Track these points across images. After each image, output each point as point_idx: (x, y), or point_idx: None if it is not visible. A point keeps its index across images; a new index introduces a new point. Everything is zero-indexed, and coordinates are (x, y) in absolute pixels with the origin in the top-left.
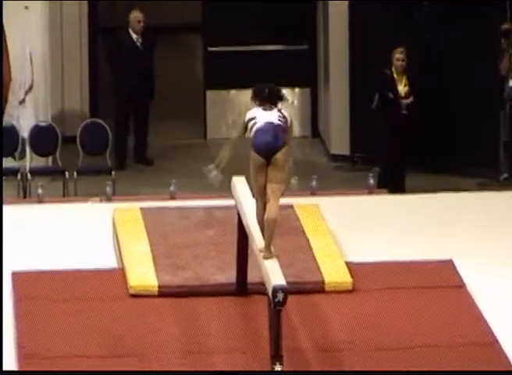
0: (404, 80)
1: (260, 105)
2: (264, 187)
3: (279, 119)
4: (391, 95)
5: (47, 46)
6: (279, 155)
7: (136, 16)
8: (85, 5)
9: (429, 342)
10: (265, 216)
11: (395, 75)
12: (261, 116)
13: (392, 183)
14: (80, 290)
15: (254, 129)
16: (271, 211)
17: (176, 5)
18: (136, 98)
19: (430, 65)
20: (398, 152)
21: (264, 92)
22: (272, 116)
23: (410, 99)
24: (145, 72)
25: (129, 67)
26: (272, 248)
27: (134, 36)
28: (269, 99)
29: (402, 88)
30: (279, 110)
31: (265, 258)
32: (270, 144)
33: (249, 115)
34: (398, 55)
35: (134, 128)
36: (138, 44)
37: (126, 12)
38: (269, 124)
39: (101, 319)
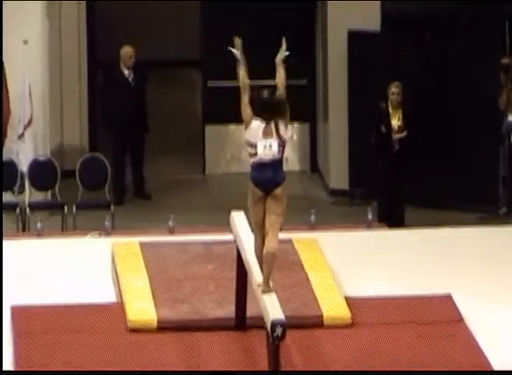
0: (398, 115)
1: (260, 117)
2: (263, 219)
3: (279, 145)
4: (384, 129)
5: (46, 80)
6: (279, 190)
7: (127, 51)
8: (84, 39)
9: None
10: (264, 250)
11: (390, 109)
12: (261, 147)
13: (390, 217)
14: (79, 324)
15: (253, 162)
16: (270, 245)
17: (175, 40)
18: (131, 134)
19: (428, 101)
20: (392, 186)
21: (260, 103)
22: (271, 146)
23: (403, 134)
24: (138, 107)
25: (122, 103)
26: (271, 283)
27: (126, 71)
28: (264, 113)
29: (395, 122)
30: (277, 130)
31: (264, 292)
32: (270, 180)
33: (249, 131)
34: (393, 89)
35: (130, 163)
36: (130, 79)
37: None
38: (268, 162)
39: (100, 353)
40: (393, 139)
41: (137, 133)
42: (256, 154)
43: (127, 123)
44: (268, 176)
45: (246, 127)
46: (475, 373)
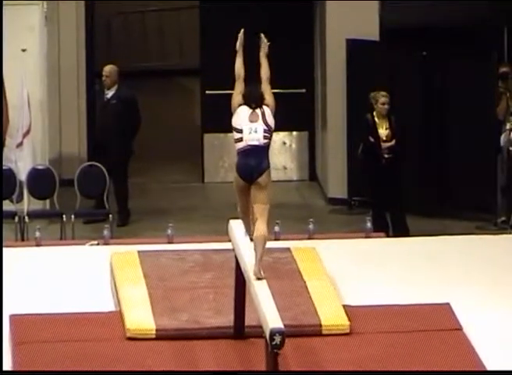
0: (385, 124)
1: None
2: (248, 206)
3: (265, 131)
4: (372, 139)
5: (44, 89)
6: (263, 177)
7: (104, 70)
8: (83, 48)
9: None
10: (254, 235)
11: (376, 119)
12: (247, 132)
13: (386, 227)
14: (77, 333)
15: (238, 149)
16: (259, 230)
17: (175, 48)
18: (112, 157)
19: (426, 110)
20: (384, 195)
21: (244, 95)
22: (257, 131)
23: (392, 142)
24: (117, 129)
25: (100, 123)
26: (262, 273)
27: (106, 90)
28: (249, 103)
29: (383, 132)
30: (263, 116)
31: (256, 276)
32: (254, 168)
33: (236, 117)
34: (383, 99)
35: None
36: (105, 99)
37: (124, 58)
38: (253, 147)
39: (98, 362)
40: (382, 148)
41: (118, 156)
42: (242, 139)
43: (104, 144)
44: (252, 163)
45: (233, 114)
46: (474, 372)
